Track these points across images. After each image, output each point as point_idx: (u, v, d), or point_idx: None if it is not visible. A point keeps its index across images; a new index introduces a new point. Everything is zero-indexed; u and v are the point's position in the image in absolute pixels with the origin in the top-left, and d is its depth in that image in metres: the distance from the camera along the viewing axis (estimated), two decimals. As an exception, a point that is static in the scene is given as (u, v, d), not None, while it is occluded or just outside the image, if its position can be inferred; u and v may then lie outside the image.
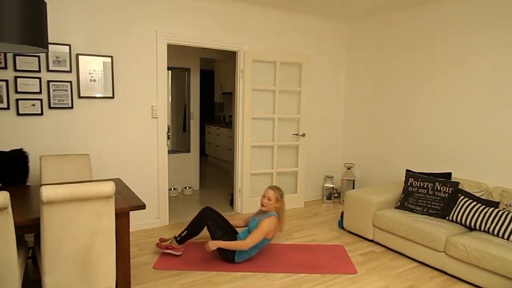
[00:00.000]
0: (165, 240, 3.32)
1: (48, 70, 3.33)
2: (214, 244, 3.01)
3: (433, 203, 3.54)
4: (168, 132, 4.13)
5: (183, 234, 3.25)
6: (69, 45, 3.39)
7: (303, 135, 4.83)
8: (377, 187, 4.10)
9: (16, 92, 3.21)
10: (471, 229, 3.22)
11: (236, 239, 3.19)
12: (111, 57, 3.60)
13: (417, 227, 3.23)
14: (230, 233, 3.23)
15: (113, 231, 2.20)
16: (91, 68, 3.51)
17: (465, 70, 3.80)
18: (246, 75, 4.40)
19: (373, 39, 4.83)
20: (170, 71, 5.35)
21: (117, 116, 3.72)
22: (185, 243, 3.48)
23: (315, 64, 5.05)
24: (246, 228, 3.32)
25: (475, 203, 3.24)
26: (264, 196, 3.25)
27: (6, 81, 3.16)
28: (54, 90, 3.36)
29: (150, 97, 3.88)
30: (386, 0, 4.07)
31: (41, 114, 3.33)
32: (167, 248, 3.27)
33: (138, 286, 2.79)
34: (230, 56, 6.46)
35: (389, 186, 4.10)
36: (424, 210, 3.56)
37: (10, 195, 2.54)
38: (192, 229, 3.26)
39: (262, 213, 3.27)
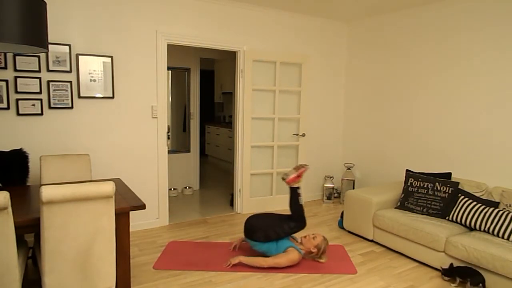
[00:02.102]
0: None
1: (48, 70, 3.33)
2: (237, 259, 3.06)
3: (433, 203, 3.54)
4: (168, 132, 4.13)
5: (298, 196, 3.22)
6: (69, 45, 3.39)
7: (303, 135, 4.83)
8: (377, 187, 4.10)
9: (16, 92, 3.21)
10: (471, 229, 3.22)
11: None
12: (111, 57, 3.60)
13: (417, 227, 3.23)
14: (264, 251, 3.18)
15: (113, 231, 2.20)
16: (91, 68, 3.51)
17: (466, 70, 3.80)
18: (246, 75, 4.40)
19: (373, 39, 4.84)
20: (170, 71, 5.35)
21: (117, 116, 3.72)
22: (187, 242, 3.53)
23: (315, 64, 5.05)
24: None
25: (475, 203, 3.24)
26: (312, 234, 3.23)
27: (6, 81, 3.16)
28: (54, 90, 3.36)
29: (150, 97, 3.88)
30: (386, 0, 4.07)
31: (41, 114, 3.33)
32: (298, 175, 3.21)
33: (138, 286, 2.79)
34: (230, 56, 6.48)
35: (389, 186, 4.10)
36: (424, 210, 3.56)
37: (10, 195, 2.55)
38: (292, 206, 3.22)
39: (296, 241, 3.27)
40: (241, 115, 4.47)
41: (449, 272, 2.90)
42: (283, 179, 3.22)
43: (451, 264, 2.90)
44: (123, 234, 2.44)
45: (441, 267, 2.96)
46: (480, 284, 2.71)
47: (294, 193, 3.18)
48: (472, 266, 2.84)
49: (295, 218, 3.15)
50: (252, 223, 3.18)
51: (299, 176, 3.20)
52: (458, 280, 2.86)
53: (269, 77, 4.61)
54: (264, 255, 3.18)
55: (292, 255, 3.06)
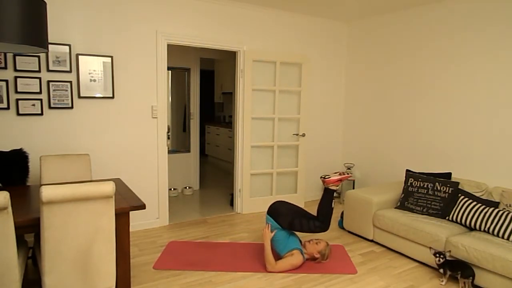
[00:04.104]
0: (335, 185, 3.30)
1: (48, 70, 3.33)
2: (266, 237, 3.08)
3: (433, 203, 3.54)
4: (168, 132, 4.13)
5: (332, 199, 3.23)
6: (69, 45, 3.39)
7: (303, 135, 4.83)
8: (377, 187, 4.10)
9: (16, 92, 3.21)
10: (471, 229, 3.22)
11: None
12: (111, 57, 3.60)
13: (417, 227, 3.23)
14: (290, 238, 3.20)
15: (113, 231, 2.20)
16: (91, 68, 3.51)
17: (465, 70, 3.80)
18: (246, 75, 4.40)
19: (373, 39, 4.83)
20: (170, 71, 5.35)
21: (117, 116, 3.72)
22: (187, 242, 3.53)
23: (315, 64, 5.05)
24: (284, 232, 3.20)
25: (475, 203, 3.24)
26: (316, 239, 3.22)
27: (6, 81, 3.16)
28: (54, 90, 3.36)
29: (150, 97, 3.88)
30: (386, 0, 4.07)
31: (41, 114, 3.33)
32: (340, 180, 3.23)
33: (138, 286, 2.79)
34: (230, 56, 6.48)
35: (389, 186, 4.10)
36: (424, 210, 3.56)
37: (10, 195, 2.54)
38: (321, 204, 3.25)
39: (301, 243, 3.27)
40: (241, 115, 4.47)
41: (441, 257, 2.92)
42: (323, 178, 3.25)
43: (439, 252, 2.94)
44: (123, 234, 2.44)
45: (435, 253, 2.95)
46: (471, 278, 2.74)
47: (330, 195, 3.21)
48: (472, 266, 2.84)
49: (320, 219, 3.17)
50: (281, 207, 3.22)
51: (340, 181, 3.24)
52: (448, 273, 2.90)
53: (269, 77, 4.61)
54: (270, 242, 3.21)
55: (296, 261, 3.06)
